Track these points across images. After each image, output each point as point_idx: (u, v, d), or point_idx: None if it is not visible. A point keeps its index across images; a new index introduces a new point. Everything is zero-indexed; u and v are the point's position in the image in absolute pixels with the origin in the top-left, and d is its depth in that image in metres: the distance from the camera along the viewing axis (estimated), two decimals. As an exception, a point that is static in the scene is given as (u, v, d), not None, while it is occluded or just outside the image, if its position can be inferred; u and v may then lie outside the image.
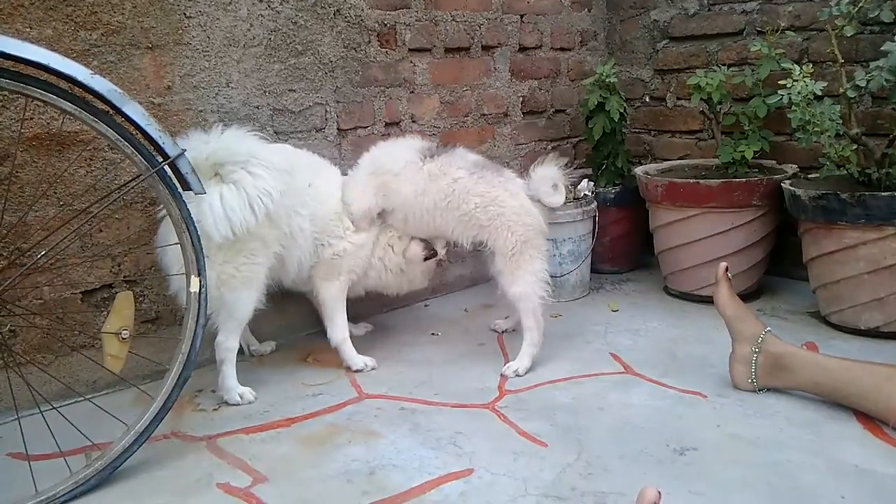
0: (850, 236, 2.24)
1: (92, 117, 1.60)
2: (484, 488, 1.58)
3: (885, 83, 2.20)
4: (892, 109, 2.43)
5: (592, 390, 2.05)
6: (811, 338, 2.31)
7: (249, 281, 2.01)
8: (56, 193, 1.99)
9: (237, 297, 2.00)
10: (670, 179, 2.71)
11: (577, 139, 3.37)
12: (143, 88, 2.09)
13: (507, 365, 2.19)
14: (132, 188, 1.90)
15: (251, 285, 2.01)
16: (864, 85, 2.24)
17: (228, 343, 2.03)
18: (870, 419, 1.78)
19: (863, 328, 2.30)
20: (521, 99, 3.11)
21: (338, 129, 2.53)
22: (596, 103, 2.91)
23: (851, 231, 2.24)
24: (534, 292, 2.16)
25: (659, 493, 1.11)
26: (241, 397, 2.05)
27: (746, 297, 2.57)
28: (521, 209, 2.16)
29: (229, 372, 2.05)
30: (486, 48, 2.94)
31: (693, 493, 1.52)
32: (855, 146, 2.35)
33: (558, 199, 2.26)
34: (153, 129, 1.65)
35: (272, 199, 1.91)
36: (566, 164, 2.28)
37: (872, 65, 2.24)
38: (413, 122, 2.75)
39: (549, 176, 2.23)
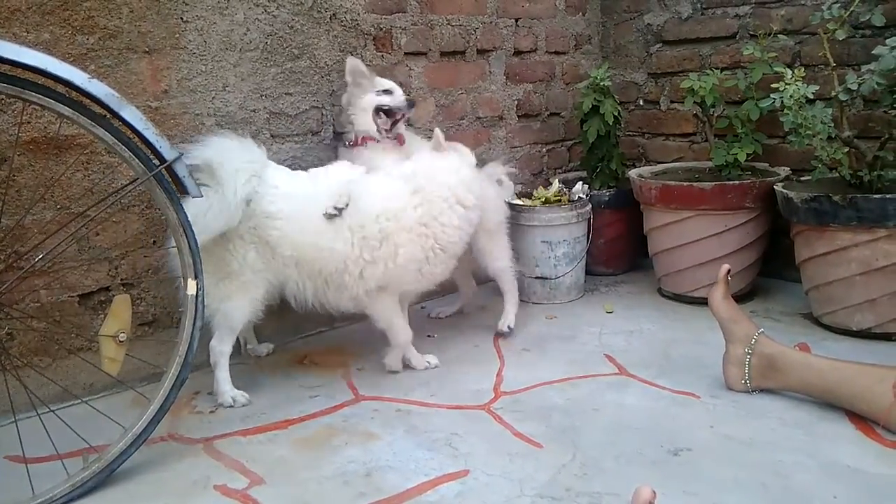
0: (842, 238, 2.26)
1: (89, 121, 1.61)
2: (480, 489, 1.60)
3: (876, 86, 2.22)
4: (884, 112, 2.45)
5: (587, 391, 2.06)
6: (804, 339, 2.33)
7: (242, 291, 2.04)
8: (53, 197, 2.00)
9: (230, 304, 2.04)
10: (664, 182, 2.72)
11: (571, 142, 3.39)
12: (139, 92, 2.10)
13: (500, 323, 2.52)
14: (129, 192, 1.91)
15: (244, 296, 2.05)
16: (855, 88, 2.26)
17: (221, 347, 2.07)
18: (862, 419, 1.80)
19: (855, 329, 2.32)
20: (515, 102, 3.13)
21: (334, 132, 2.54)
22: (590, 106, 2.93)
23: (843, 233, 2.25)
24: (511, 264, 2.57)
25: (654, 492, 1.12)
26: (234, 400, 2.05)
27: (740, 298, 2.58)
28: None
29: (223, 375, 2.07)
30: (481, 52, 2.96)
31: (687, 494, 1.54)
32: (847, 149, 2.37)
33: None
34: (150, 132, 1.65)
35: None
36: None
37: (864, 68, 2.26)
38: (409, 125, 2.75)
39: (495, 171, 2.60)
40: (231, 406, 2.05)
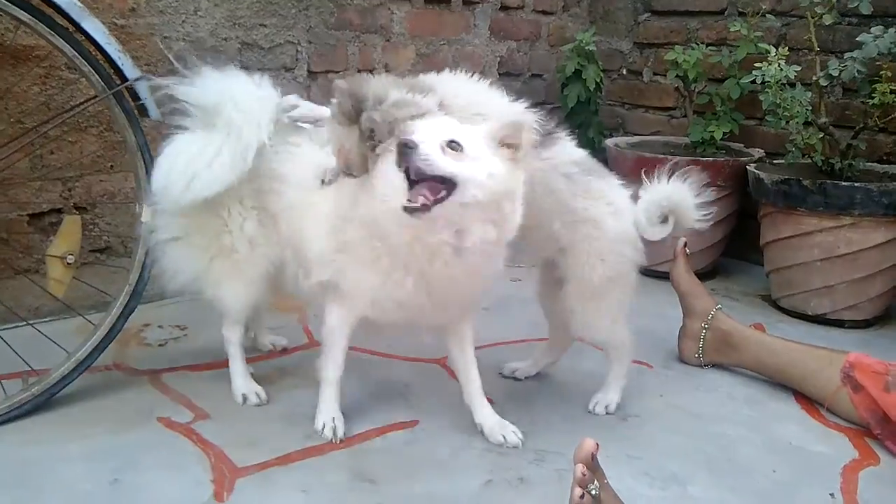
0: (808, 223, 2.28)
1: (48, 30, 1.53)
2: (428, 439, 1.59)
3: (856, 74, 2.22)
4: (861, 102, 2.46)
5: (543, 354, 2.06)
6: (760, 319, 2.36)
7: (238, 272, 1.67)
8: (7, 108, 1.90)
9: (225, 289, 1.68)
10: (639, 153, 2.71)
11: (551, 106, 3.34)
12: (105, 8, 2.00)
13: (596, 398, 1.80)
14: (87, 109, 1.83)
15: (240, 277, 1.67)
16: (836, 74, 2.26)
17: (228, 334, 1.76)
18: (808, 400, 1.83)
19: (810, 314, 2.36)
20: (498, 59, 3.07)
21: (308, 70, 2.46)
22: (573, 70, 2.89)
23: (809, 218, 2.27)
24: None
25: (597, 444, 1.12)
26: (244, 398, 1.72)
27: (702, 276, 2.58)
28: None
29: (235, 368, 1.76)
30: (466, 3, 2.88)
31: (631, 457, 1.55)
32: (821, 135, 2.37)
33: (659, 232, 1.74)
34: (112, 48, 1.58)
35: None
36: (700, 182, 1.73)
37: (846, 55, 2.25)
38: (387, 71, 2.69)
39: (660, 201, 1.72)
40: (242, 404, 1.72)
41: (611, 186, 1.71)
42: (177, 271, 1.66)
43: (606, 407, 1.76)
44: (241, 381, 1.75)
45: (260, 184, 1.60)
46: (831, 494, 1.46)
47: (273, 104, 1.60)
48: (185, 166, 1.50)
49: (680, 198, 1.71)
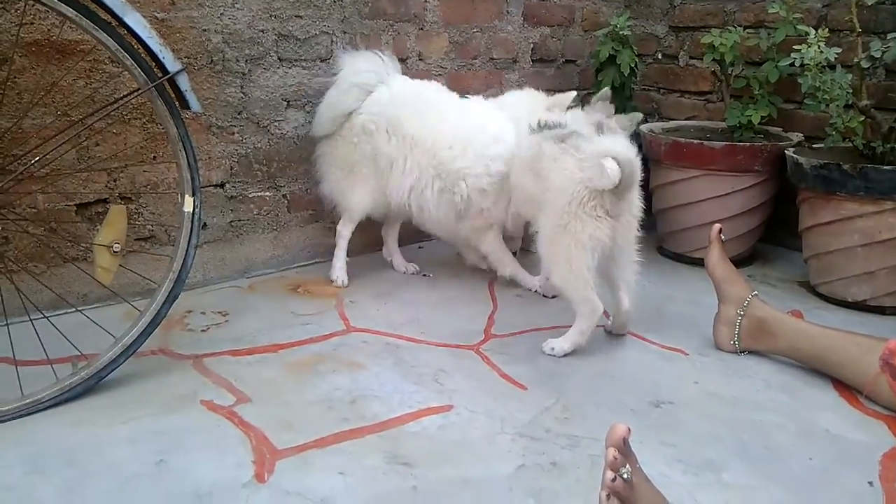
0: (848, 208, 2.24)
1: (92, 24, 1.58)
2: (462, 424, 1.62)
3: (900, 55, 2.17)
4: (905, 84, 2.40)
5: (577, 340, 2.07)
6: (798, 306, 2.32)
7: (362, 183, 2.37)
8: (54, 102, 1.97)
9: (353, 195, 2.38)
10: (674, 138, 2.68)
11: (585, 92, 3.32)
12: (146, 2, 2.05)
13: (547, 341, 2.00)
14: (131, 103, 1.88)
15: (364, 187, 2.37)
16: (879, 56, 2.20)
17: (342, 229, 2.43)
18: (846, 388, 1.81)
19: (850, 300, 2.32)
20: (531, 45, 3.06)
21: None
22: (607, 56, 2.86)
23: (849, 203, 2.23)
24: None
25: (629, 429, 1.13)
26: (337, 278, 2.40)
27: (739, 262, 2.56)
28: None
29: (339, 255, 2.43)
30: (499, -11, 2.88)
31: (664, 444, 1.56)
32: (863, 118, 2.32)
33: (607, 176, 1.80)
34: (154, 42, 1.62)
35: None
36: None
37: (889, 36, 2.20)
38: (420, 60, 2.70)
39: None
40: (333, 282, 2.40)
41: (562, 151, 1.97)
42: (327, 181, 2.41)
43: (552, 349, 1.98)
44: (340, 267, 2.43)
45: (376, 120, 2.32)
46: (869, 482, 1.45)
47: (366, 72, 2.32)
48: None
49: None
